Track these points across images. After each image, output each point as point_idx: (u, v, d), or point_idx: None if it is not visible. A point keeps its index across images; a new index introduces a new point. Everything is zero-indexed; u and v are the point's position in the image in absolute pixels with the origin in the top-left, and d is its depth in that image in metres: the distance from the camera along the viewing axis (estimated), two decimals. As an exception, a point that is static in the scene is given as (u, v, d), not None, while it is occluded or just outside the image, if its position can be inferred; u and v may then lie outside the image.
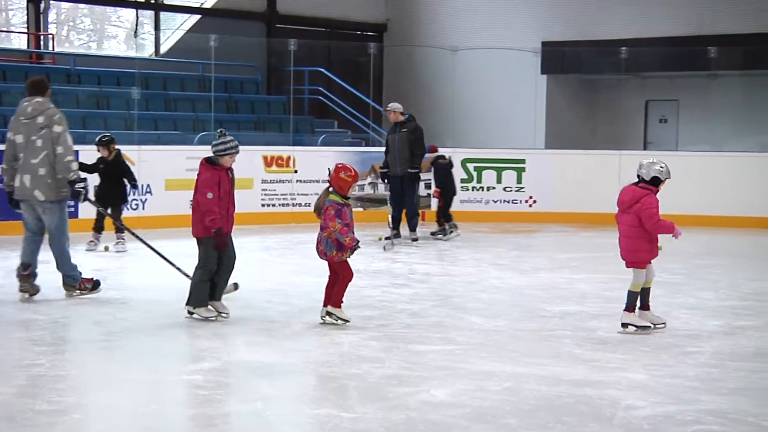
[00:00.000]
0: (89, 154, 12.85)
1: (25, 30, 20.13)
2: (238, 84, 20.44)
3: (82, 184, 9.00)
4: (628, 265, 8.17)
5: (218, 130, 8.44)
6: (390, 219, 13.89)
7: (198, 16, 21.99)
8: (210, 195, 8.17)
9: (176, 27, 22.13)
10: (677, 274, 11.02)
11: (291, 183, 16.38)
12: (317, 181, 16.24)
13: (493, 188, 17.28)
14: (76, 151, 13.60)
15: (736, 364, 7.19)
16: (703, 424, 5.73)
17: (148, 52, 21.62)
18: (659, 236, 8.12)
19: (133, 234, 10.13)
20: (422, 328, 8.22)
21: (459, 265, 12.49)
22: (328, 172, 8.23)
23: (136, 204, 14.85)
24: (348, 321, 8.16)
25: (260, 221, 15.54)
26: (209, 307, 8.38)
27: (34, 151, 8.90)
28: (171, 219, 14.92)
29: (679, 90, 21.98)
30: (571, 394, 6.25)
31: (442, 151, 15.46)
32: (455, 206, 15.53)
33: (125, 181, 12.62)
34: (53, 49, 20.23)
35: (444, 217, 14.71)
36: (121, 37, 24.29)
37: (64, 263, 9.19)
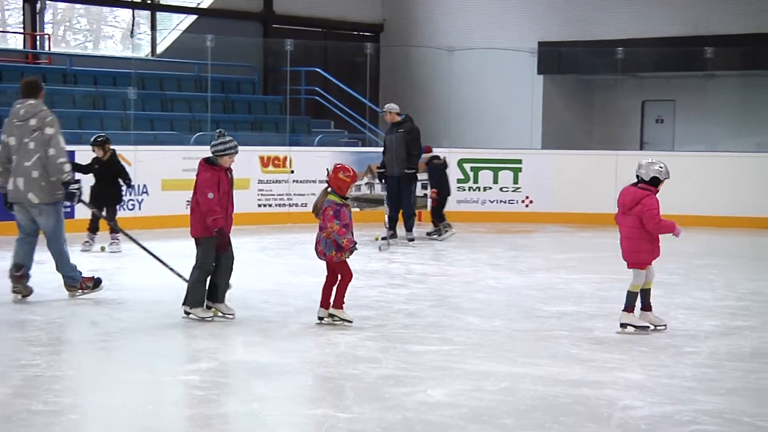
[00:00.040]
0: (85, 154, 12.83)
1: (21, 30, 20.10)
2: (235, 84, 20.43)
3: (76, 186, 8.98)
4: (629, 266, 8.16)
5: (217, 131, 8.43)
6: (386, 219, 13.90)
7: (194, 16, 21.96)
8: (211, 195, 8.16)
9: (173, 27, 22.10)
10: (674, 274, 11.03)
11: (287, 183, 16.38)
12: (314, 182, 16.25)
13: (490, 188, 17.29)
14: (72, 152, 13.69)
15: (733, 364, 7.20)
16: (700, 424, 5.73)
17: (144, 52, 21.60)
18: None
19: (128, 237, 10.12)
20: (419, 329, 8.21)
21: (456, 265, 12.49)
22: (326, 173, 8.22)
23: (133, 204, 14.84)
24: (351, 322, 8.16)
25: (257, 221, 15.54)
26: (206, 307, 8.38)
27: (27, 154, 8.88)
28: (167, 219, 14.92)
29: (676, 90, 22.00)
30: (568, 394, 6.25)
31: (438, 151, 15.46)
32: (451, 206, 15.54)
33: (120, 181, 12.60)
34: (49, 50, 20.19)
35: (437, 217, 14.72)
36: (117, 37, 24.27)
37: (63, 264, 9.18)
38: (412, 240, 14.03)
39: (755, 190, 16.62)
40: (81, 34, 24.72)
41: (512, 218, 17.03)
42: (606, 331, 8.22)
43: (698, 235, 14.64)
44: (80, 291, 9.23)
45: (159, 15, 21.64)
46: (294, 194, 16.39)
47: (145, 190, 15.00)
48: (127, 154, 14.65)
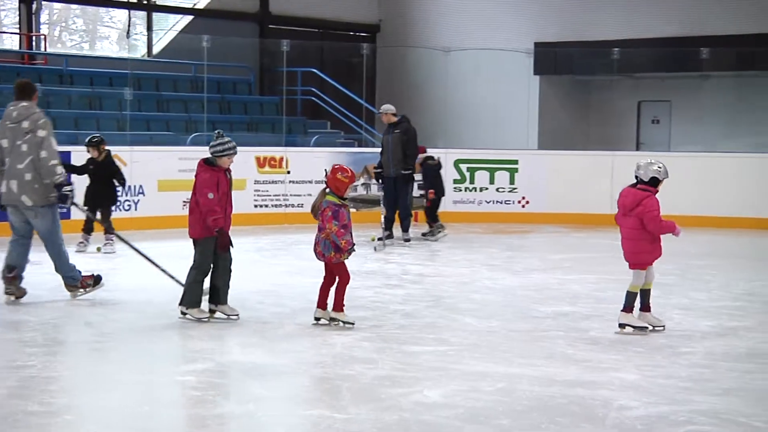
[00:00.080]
0: (81, 155, 12.82)
1: (17, 31, 20.08)
2: (231, 85, 20.42)
3: (68, 188, 8.96)
4: (631, 267, 8.17)
5: (216, 131, 8.43)
6: (383, 220, 13.90)
7: (190, 17, 21.94)
8: (211, 195, 8.16)
9: (169, 28, 22.09)
10: (670, 274, 11.02)
11: (284, 184, 16.37)
12: (310, 182, 16.24)
13: (486, 189, 17.29)
14: (68, 152, 13.73)
15: (728, 364, 7.21)
16: (696, 425, 5.74)
17: (140, 52, 21.58)
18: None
19: (123, 240, 10.11)
20: (415, 329, 8.21)
21: (452, 265, 12.49)
22: (324, 173, 8.22)
23: (129, 205, 14.83)
24: (353, 324, 8.15)
25: (253, 222, 15.53)
26: (209, 310, 8.38)
27: (20, 156, 8.86)
28: (163, 220, 14.92)
29: (672, 91, 22.02)
30: (564, 395, 6.25)
31: (434, 152, 15.47)
32: (448, 207, 15.55)
33: (115, 182, 12.59)
34: (45, 50, 20.18)
35: (430, 218, 14.73)
36: (113, 37, 24.27)
37: (62, 265, 9.17)
38: (408, 240, 14.03)
39: (751, 191, 16.63)
40: (77, 35, 24.71)
41: (508, 219, 17.03)
42: (602, 331, 8.22)
43: (695, 235, 14.63)
44: (82, 290, 9.22)
45: (155, 15, 21.63)
46: (290, 195, 16.39)
47: (141, 191, 14.99)
48: (123, 154, 14.63)
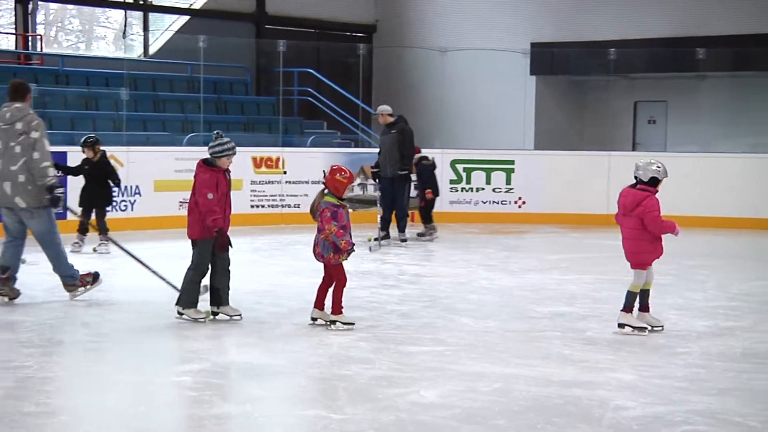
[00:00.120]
0: (78, 155, 12.81)
1: (13, 31, 20.06)
2: (227, 85, 20.41)
3: (60, 190, 8.93)
4: (633, 267, 8.17)
5: (215, 132, 8.43)
6: (379, 220, 13.90)
7: (187, 17, 21.94)
8: (210, 195, 8.16)
9: (165, 28, 22.08)
10: (667, 274, 11.03)
11: (280, 184, 16.37)
12: (306, 182, 16.25)
13: (483, 189, 17.30)
14: (65, 153, 13.73)
15: (724, 364, 7.22)
16: (692, 425, 5.75)
17: (136, 53, 21.57)
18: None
19: (115, 243, 10.09)
20: (412, 329, 8.22)
21: (448, 266, 12.50)
22: (323, 174, 8.22)
23: (125, 205, 14.82)
24: (353, 325, 8.15)
25: (249, 222, 15.52)
26: (211, 312, 8.38)
27: (13, 158, 8.84)
28: (160, 220, 14.92)
29: (668, 91, 22.05)
30: (560, 395, 6.26)
31: (431, 152, 15.47)
32: (444, 207, 15.55)
33: (110, 182, 12.58)
34: (41, 50, 20.17)
35: (425, 218, 14.74)
36: (109, 38, 24.25)
37: (61, 264, 9.16)
38: (404, 241, 14.04)
39: (748, 191, 16.64)
40: (73, 35, 24.68)
41: (505, 219, 17.04)
42: (598, 331, 8.23)
43: (691, 235, 14.63)
44: (82, 288, 9.22)
45: (151, 16, 21.61)
46: (287, 195, 16.38)
47: (137, 191, 14.98)
48: (120, 154, 14.64)
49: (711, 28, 20.07)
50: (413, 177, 14.55)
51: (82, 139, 12.67)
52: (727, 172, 16.91)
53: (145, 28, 21.33)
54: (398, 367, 6.94)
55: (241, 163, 15.56)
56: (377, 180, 14.27)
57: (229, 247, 8.32)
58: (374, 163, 14.37)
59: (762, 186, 16.65)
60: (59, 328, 8.38)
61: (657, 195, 8.05)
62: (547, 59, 21.89)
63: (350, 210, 13.99)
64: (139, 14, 21.53)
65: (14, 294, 9.06)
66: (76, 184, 12.84)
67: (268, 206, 16.32)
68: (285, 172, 16.39)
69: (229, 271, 8.42)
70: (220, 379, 6.78)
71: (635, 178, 8.11)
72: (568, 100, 22.97)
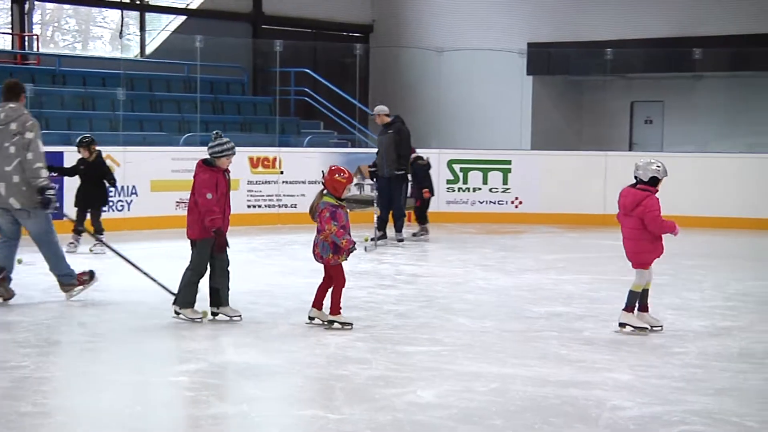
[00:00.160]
0: (74, 155, 12.80)
1: (10, 31, 20.04)
2: (224, 85, 20.40)
3: (51, 192, 8.89)
4: (634, 266, 8.18)
5: (214, 132, 8.43)
6: (376, 220, 13.90)
7: (183, 17, 21.92)
8: (209, 195, 8.15)
9: (162, 28, 22.06)
10: (664, 275, 11.03)
11: (277, 184, 16.36)
12: (303, 182, 16.25)
13: (479, 189, 17.30)
14: (61, 153, 13.71)
15: (721, 364, 7.22)
16: (689, 425, 5.75)
17: (133, 52, 21.55)
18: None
19: (107, 246, 10.06)
20: (409, 329, 8.22)
21: (445, 266, 12.50)
22: (322, 174, 8.23)
23: (122, 205, 14.81)
24: (351, 325, 8.15)
25: (246, 222, 15.51)
26: (211, 313, 8.37)
27: (7, 159, 8.82)
28: (156, 220, 14.91)
29: (665, 91, 22.06)
30: (557, 395, 6.26)
31: (427, 152, 15.48)
32: (441, 207, 15.55)
33: (106, 182, 12.56)
34: (38, 50, 20.14)
35: (419, 219, 14.74)
36: (106, 38, 24.23)
37: (58, 264, 9.14)
38: (401, 241, 14.04)
39: (746, 191, 16.66)
40: (70, 35, 24.67)
41: (502, 219, 17.04)
42: (595, 331, 8.23)
43: (688, 235, 14.61)
44: (78, 288, 9.20)
45: (148, 16, 21.60)
46: (283, 195, 16.38)
47: (134, 191, 14.97)
48: (116, 155, 14.63)
49: (708, 29, 20.09)
50: (410, 177, 14.56)
51: (78, 139, 12.66)
52: (724, 172, 16.93)
53: (142, 28, 21.32)
54: (395, 367, 6.94)
55: (238, 163, 15.48)
56: (374, 179, 14.27)
57: (227, 247, 8.31)
58: (371, 163, 14.37)
59: (759, 186, 16.67)
60: (56, 329, 8.37)
61: (657, 194, 8.06)
62: (544, 59, 21.89)
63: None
64: (135, 14, 21.51)
65: (9, 294, 9.04)
66: (72, 185, 12.84)
67: (265, 206, 16.31)
68: (282, 172, 16.39)
69: (228, 272, 8.42)
70: (216, 379, 6.77)
71: (635, 177, 8.11)
72: (564, 100, 22.98)
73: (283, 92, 20.21)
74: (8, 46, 20.25)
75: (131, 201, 14.96)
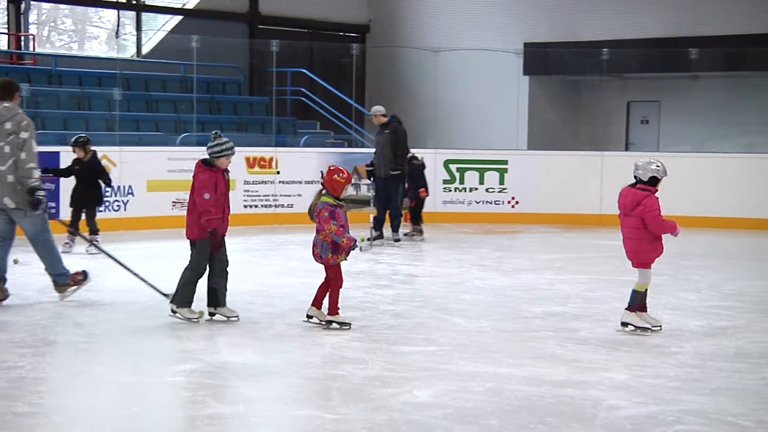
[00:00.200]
0: (70, 155, 12.78)
1: (6, 31, 20.02)
2: (220, 85, 20.40)
3: (41, 193, 8.87)
4: (634, 266, 8.19)
5: (213, 132, 8.43)
6: (372, 220, 13.90)
7: (180, 17, 21.91)
8: (207, 195, 8.15)
9: (158, 28, 22.05)
10: (661, 274, 11.02)
11: (273, 184, 16.36)
12: (300, 182, 16.24)
13: (476, 189, 17.31)
14: (57, 153, 13.70)
15: (717, 364, 7.23)
16: (685, 424, 5.75)
17: (129, 52, 21.54)
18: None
19: (96, 246, 10.05)
20: (405, 329, 8.22)
21: (441, 266, 12.50)
22: (320, 175, 8.23)
23: (118, 205, 14.80)
24: (349, 325, 8.15)
25: (242, 222, 15.49)
26: (209, 313, 8.36)
27: (2, 158, 8.80)
28: (152, 220, 14.91)
29: (661, 91, 22.07)
30: (553, 395, 6.26)
31: (424, 152, 15.47)
32: (437, 207, 15.53)
33: (101, 182, 12.55)
34: (34, 50, 20.13)
35: (413, 219, 14.73)
36: (102, 37, 24.22)
37: (54, 263, 9.13)
38: (398, 241, 14.04)
39: (742, 191, 16.67)
40: (66, 35, 24.66)
41: (498, 219, 17.05)
42: (591, 331, 8.24)
43: (685, 235, 14.63)
44: (72, 288, 9.19)
45: (144, 15, 21.58)
46: (280, 195, 16.37)
47: (130, 191, 14.96)
48: (113, 155, 14.62)
49: (704, 29, 20.10)
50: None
51: (73, 139, 12.64)
52: (720, 172, 16.95)
53: (138, 28, 21.30)
54: (391, 367, 6.95)
55: (234, 163, 15.38)
56: (372, 179, 14.28)
57: (222, 248, 8.29)
58: (369, 162, 14.38)
59: (756, 186, 16.67)
60: (52, 329, 8.37)
61: (657, 194, 8.07)
62: (540, 59, 21.90)
63: (344, 210, 13.90)
64: (131, 14, 21.49)
65: (4, 295, 9.02)
66: (68, 185, 12.83)
67: (261, 206, 16.31)
68: (278, 172, 16.38)
69: (226, 272, 8.42)
70: (213, 379, 6.77)
71: (635, 177, 8.11)
72: (561, 100, 22.99)
73: (280, 92, 20.22)
74: (4, 46, 20.24)
75: (127, 201, 14.95)
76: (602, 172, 16.78)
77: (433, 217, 16.14)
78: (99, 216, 12.83)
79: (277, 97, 19.75)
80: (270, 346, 7.63)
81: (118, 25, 21.64)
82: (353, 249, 8.07)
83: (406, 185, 14.61)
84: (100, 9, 22.75)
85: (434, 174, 16.58)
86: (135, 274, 9.28)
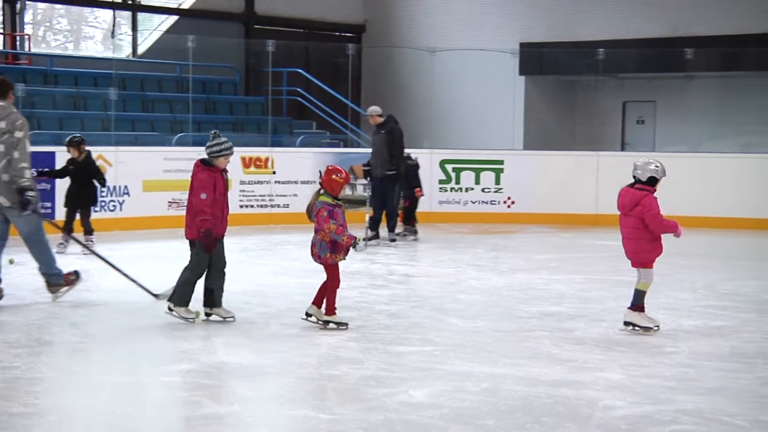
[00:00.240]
0: (65, 155, 12.77)
1: (1, 30, 19.99)
2: (216, 85, 20.38)
3: (31, 193, 8.85)
4: (633, 265, 8.19)
5: (212, 132, 8.42)
6: (368, 219, 13.90)
7: (176, 17, 21.90)
8: (203, 196, 8.14)
9: (154, 28, 22.03)
10: (657, 274, 11.01)
11: (269, 184, 16.35)
12: (296, 182, 16.24)
13: (472, 189, 17.31)
14: (53, 153, 13.69)
15: (712, 363, 7.23)
16: (680, 424, 5.76)
17: (125, 52, 21.52)
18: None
19: (85, 246, 10.03)
20: (401, 329, 8.22)
21: (437, 266, 12.50)
22: (319, 174, 8.22)
23: (114, 205, 14.79)
24: (346, 325, 8.14)
25: (238, 222, 15.43)
26: (205, 314, 8.36)
27: None
28: (148, 220, 14.89)
29: (656, 91, 22.09)
30: (548, 395, 6.26)
31: (420, 152, 15.48)
32: (433, 207, 15.52)
33: (95, 182, 12.54)
34: (29, 50, 20.10)
35: (406, 218, 14.74)
36: (98, 37, 24.17)
37: (48, 263, 9.12)
38: (394, 240, 14.04)
39: (738, 191, 16.69)
40: (61, 35, 24.61)
41: (494, 219, 17.05)
42: (586, 331, 8.25)
43: (682, 235, 14.66)
44: (65, 288, 9.17)
45: (140, 15, 21.56)
46: (276, 195, 16.37)
47: (126, 191, 14.94)
48: (108, 155, 14.61)
49: (699, 29, 20.12)
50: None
51: (67, 139, 12.62)
52: (719, 172, 16.96)
53: (134, 28, 21.28)
54: (387, 367, 6.95)
55: (230, 162, 15.49)
56: (369, 179, 14.29)
57: (213, 249, 8.25)
58: (366, 162, 14.39)
59: (752, 186, 16.68)
60: (47, 329, 8.36)
61: (656, 194, 8.08)
62: (536, 59, 21.91)
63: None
64: (127, 14, 21.48)
65: (-1, 295, 9.03)
66: (64, 186, 12.80)
67: (257, 206, 16.30)
68: (274, 172, 16.37)
69: (224, 273, 8.41)
70: (209, 379, 6.76)
71: (633, 177, 8.12)
72: (557, 100, 23.00)
73: (276, 92, 20.21)
74: (0, 46, 20.20)
75: (123, 201, 14.93)
76: (598, 172, 16.80)
77: (428, 217, 16.16)
78: (95, 216, 12.82)
79: (273, 97, 19.74)
80: (266, 346, 7.63)
81: (113, 25, 21.62)
82: (354, 247, 8.07)
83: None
84: (95, 9, 22.70)
85: (430, 174, 16.59)
86: (125, 275, 9.25)
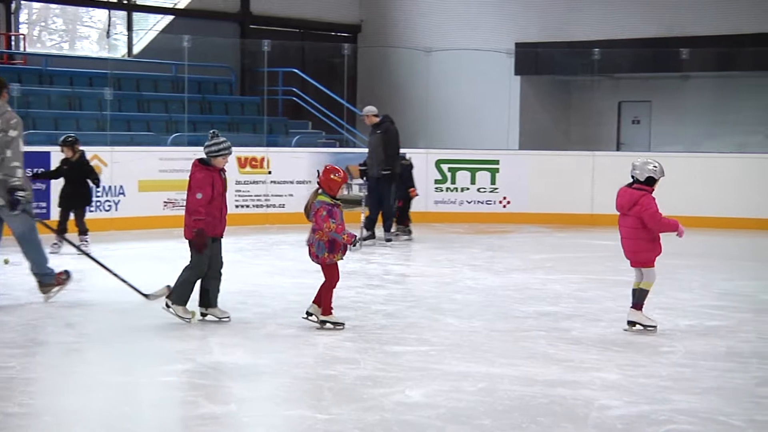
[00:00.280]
0: (61, 155, 12.74)
1: (-4, 30, 19.98)
2: (212, 85, 20.37)
3: (22, 193, 8.82)
4: (633, 265, 8.20)
5: (211, 131, 8.42)
6: (363, 219, 13.90)
7: (171, 17, 21.88)
8: (199, 195, 8.13)
9: (149, 27, 22.02)
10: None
11: (265, 184, 16.33)
12: (291, 182, 16.22)
13: (467, 189, 17.31)
14: (48, 153, 13.66)
15: (708, 363, 7.24)
16: (676, 424, 5.76)
17: (120, 52, 21.50)
18: None
19: (80, 250, 10.01)
20: (397, 329, 8.21)
21: (433, 265, 12.50)
22: (317, 174, 8.21)
23: (109, 205, 14.77)
24: (343, 325, 8.13)
25: (234, 222, 15.31)
26: (200, 314, 8.34)
27: None
28: (144, 220, 14.87)
29: (652, 91, 22.11)
30: (545, 395, 6.26)
31: (416, 152, 15.48)
32: (429, 207, 15.50)
33: (89, 182, 12.51)
34: (25, 50, 20.08)
35: (400, 219, 14.73)
36: (93, 37, 24.14)
37: (40, 263, 9.10)
38: (390, 240, 14.04)
39: (733, 191, 16.69)
40: (57, 35, 24.57)
41: (490, 219, 17.05)
42: (583, 331, 8.25)
43: (673, 235, 14.67)
44: (56, 288, 9.15)
45: (135, 15, 21.55)
46: (271, 195, 16.35)
47: (121, 191, 14.92)
48: (104, 155, 14.59)
49: (695, 29, 20.14)
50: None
51: (61, 139, 12.57)
52: (713, 171, 16.97)
53: (129, 28, 21.26)
54: (383, 367, 6.94)
55: (226, 163, 15.52)
56: (365, 178, 14.29)
57: (204, 250, 8.21)
58: (362, 162, 14.38)
59: (749, 186, 16.70)
60: (42, 329, 8.34)
61: (654, 194, 8.09)
62: (532, 59, 21.93)
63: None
64: (123, 14, 21.46)
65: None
66: (58, 186, 12.78)
67: (253, 206, 16.28)
68: (270, 172, 16.36)
69: (220, 274, 8.40)
70: (205, 379, 6.75)
71: (632, 177, 8.13)
72: (552, 100, 23.02)
73: (271, 92, 20.20)
74: (-5, 46, 20.19)
75: (119, 201, 14.91)
76: (594, 172, 16.80)
77: (424, 217, 16.15)
78: (90, 216, 12.79)
79: (269, 97, 19.73)
80: (262, 346, 7.62)
81: (109, 25, 21.60)
82: (354, 245, 8.07)
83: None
84: (90, 9, 22.68)
85: (426, 174, 16.59)
86: (115, 275, 9.20)
